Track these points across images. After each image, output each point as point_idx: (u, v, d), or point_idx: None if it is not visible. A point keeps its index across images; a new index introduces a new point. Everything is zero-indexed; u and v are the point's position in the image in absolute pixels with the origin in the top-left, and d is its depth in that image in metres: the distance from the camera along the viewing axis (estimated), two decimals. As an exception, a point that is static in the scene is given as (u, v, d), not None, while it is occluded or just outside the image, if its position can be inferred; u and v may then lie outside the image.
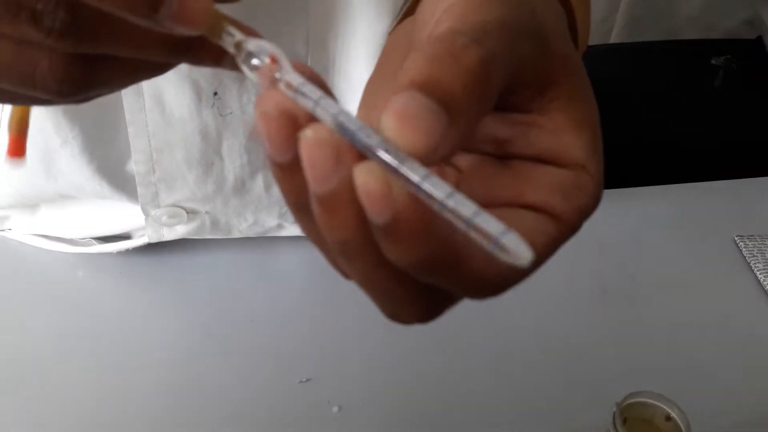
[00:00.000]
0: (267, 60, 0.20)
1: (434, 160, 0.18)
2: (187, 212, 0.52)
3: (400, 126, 0.18)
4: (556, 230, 0.21)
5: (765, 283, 0.55)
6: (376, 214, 0.17)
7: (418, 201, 0.17)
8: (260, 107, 0.19)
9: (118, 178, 0.50)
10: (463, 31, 0.20)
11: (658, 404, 0.40)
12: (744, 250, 0.58)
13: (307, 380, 0.48)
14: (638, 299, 0.55)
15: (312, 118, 0.19)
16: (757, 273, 0.56)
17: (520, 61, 0.21)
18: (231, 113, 0.47)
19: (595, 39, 0.93)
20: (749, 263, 0.57)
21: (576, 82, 0.23)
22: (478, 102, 0.19)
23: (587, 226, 0.22)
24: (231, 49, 0.21)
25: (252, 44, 0.21)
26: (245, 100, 0.46)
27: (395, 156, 0.17)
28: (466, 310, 0.25)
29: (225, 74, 0.45)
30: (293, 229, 0.56)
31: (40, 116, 0.45)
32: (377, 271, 0.20)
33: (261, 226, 0.55)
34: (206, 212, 0.53)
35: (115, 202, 0.53)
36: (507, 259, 0.17)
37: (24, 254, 0.58)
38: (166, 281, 0.56)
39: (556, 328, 0.52)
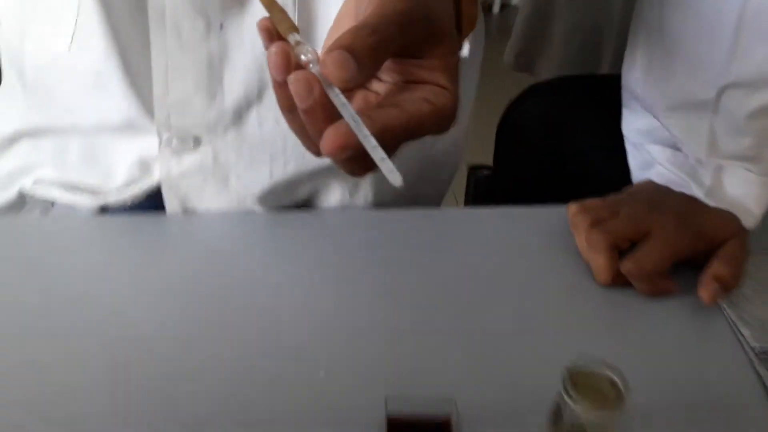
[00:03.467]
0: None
1: (351, 86, 0.34)
2: (193, 143, 0.62)
3: (333, 65, 0.33)
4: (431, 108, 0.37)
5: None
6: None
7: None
8: (272, 48, 0.34)
9: (144, 99, 0.61)
10: (369, 24, 0.35)
11: (603, 372, 0.45)
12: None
13: (298, 347, 0.54)
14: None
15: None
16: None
17: (411, 35, 0.37)
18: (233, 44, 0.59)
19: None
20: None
21: (447, 45, 0.39)
22: (373, 61, 0.35)
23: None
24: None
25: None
26: (245, 33, 0.58)
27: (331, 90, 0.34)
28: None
29: (231, 9, 0.58)
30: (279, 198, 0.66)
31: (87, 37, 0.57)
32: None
33: (255, 171, 0.63)
34: (209, 143, 0.62)
35: (132, 136, 0.62)
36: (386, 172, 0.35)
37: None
38: (168, 248, 0.63)
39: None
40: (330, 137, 0.34)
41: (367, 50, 0.34)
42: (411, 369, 0.53)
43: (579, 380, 0.45)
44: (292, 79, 0.34)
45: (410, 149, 0.65)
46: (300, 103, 0.34)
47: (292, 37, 0.37)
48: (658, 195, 0.66)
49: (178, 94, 0.60)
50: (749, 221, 0.63)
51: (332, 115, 0.35)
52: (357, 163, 0.36)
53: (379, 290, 0.60)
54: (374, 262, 0.63)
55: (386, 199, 0.71)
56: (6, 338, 0.54)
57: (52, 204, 0.69)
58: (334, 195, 0.68)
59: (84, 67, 0.60)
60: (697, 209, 0.63)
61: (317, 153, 0.38)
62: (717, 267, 0.60)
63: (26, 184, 0.68)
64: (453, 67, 0.40)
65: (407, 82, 0.39)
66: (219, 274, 0.61)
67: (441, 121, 0.38)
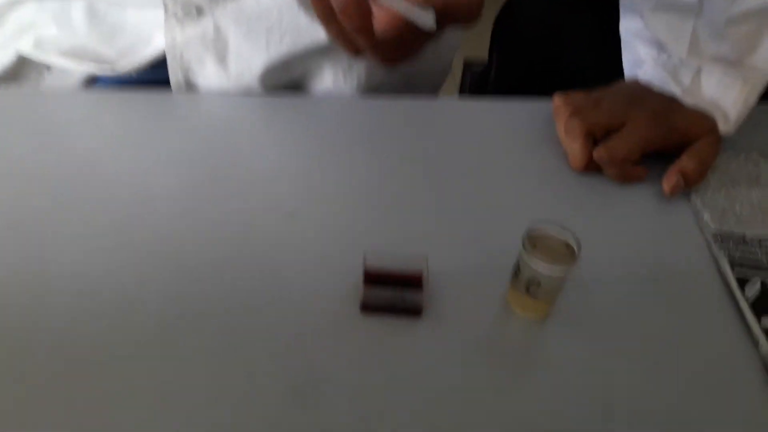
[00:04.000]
0: None
1: None
2: (197, 12, 0.64)
3: None
4: None
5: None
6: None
7: None
8: None
9: None
10: None
11: (559, 233, 0.50)
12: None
13: (291, 212, 0.59)
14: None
15: None
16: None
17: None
18: None
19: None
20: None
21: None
22: None
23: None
24: None
25: None
26: None
27: None
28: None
29: None
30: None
31: None
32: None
33: (253, 43, 0.66)
34: (210, 13, 0.64)
35: (138, 6, 0.64)
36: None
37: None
38: (166, 123, 0.67)
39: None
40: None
41: None
42: (390, 229, 0.58)
43: (538, 241, 0.50)
44: None
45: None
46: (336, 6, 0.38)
47: None
48: (640, 91, 0.69)
49: None
50: (724, 124, 0.67)
51: (366, 12, 0.38)
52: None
53: (367, 165, 0.64)
54: (364, 141, 0.67)
55: (378, 86, 0.74)
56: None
57: (48, 68, 0.71)
58: (327, 77, 0.72)
59: None
60: (674, 107, 0.67)
61: (355, 53, 0.42)
62: (684, 161, 0.64)
63: (26, 45, 0.70)
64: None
65: None
66: (218, 149, 0.65)
67: (471, 9, 0.41)
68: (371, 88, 0.73)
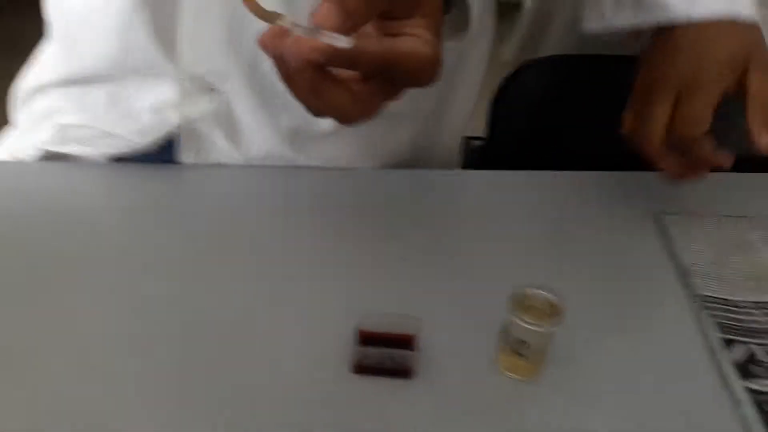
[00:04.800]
0: None
1: (345, 31, 0.39)
2: (211, 89, 0.67)
3: (322, 15, 0.39)
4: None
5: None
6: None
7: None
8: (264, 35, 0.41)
9: (165, 39, 0.64)
10: None
11: (542, 294, 0.52)
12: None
13: (286, 280, 0.61)
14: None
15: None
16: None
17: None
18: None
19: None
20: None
21: (431, 3, 0.43)
22: (361, 14, 0.40)
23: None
24: None
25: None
26: None
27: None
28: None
29: None
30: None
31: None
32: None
33: (265, 118, 0.69)
34: (224, 92, 0.67)
35: (155, 81, 0.67)
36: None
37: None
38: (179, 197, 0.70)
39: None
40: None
41: (356, 2, 0.39)
42: (384, 294, 0.60)
43: (525, 302, 0.52)
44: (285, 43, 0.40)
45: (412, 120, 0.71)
46: (293, 62, 0.40)
47: (282, 21, 0.41)
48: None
49: (203, 40, 0.64)
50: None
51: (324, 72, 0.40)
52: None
53: (363, 233, 0.67)
54: (361, 210, 0.70)
55: (388, 160, 0.76)
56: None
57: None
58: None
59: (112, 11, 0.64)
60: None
61: (317, 114, 0.43)
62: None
63: (45, 134, 0.72)
64: (436, 24, 0.43)
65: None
66: (215, 217, 0.68)
67: (420, 66, 0.42)
68: (384, 164, 0.76)
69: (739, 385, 0.53)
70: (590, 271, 0.64)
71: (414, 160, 0.79)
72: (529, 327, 0.50)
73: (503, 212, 0.71)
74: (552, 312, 0.51)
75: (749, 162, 0.67)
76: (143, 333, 0.55)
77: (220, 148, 0.72)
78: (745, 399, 0.51)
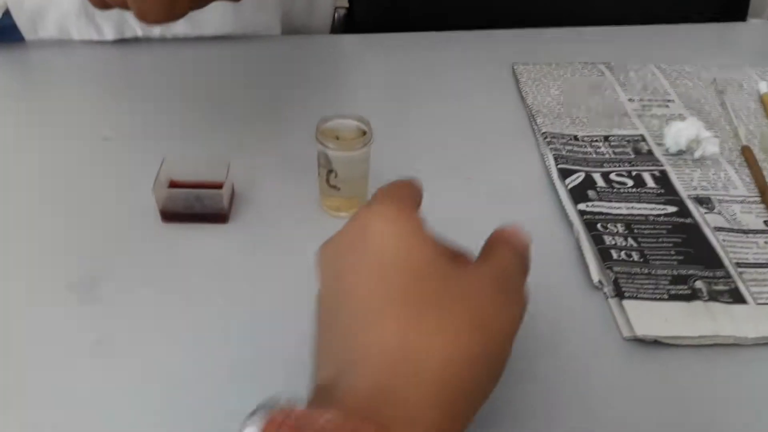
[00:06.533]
0: None
1: None
2: None
3: None
4: None
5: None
6: None
7: None
8: None
9: None
10: None
11: (352, 122, 0.48)
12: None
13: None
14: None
15: None
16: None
17: None
18: None
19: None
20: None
21: None
22: None
23: None
24: None
25: None
26: None
27: None
28: None
29: None
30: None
31: None
32: None
33: None
34: None
35: None
36: None
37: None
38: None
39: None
40: None
41: None
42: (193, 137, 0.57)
43: (335, 132, 0.48)
44: None
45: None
46: None
47: None
48: None
49: None
50: None
51: None
52: None
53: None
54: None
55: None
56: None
57: None
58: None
59: None
60: None
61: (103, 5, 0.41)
62: None
63: None
64: None
65: None
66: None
67: None
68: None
69: (570, 207, 0.51)
70: (456, 113, 0.62)
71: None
72: (335, 153, 0.46)
73: (366, 71, 0.69)
74: (362, 138, 0.47)
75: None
76: None
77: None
78: (576, 219, 0.50)
